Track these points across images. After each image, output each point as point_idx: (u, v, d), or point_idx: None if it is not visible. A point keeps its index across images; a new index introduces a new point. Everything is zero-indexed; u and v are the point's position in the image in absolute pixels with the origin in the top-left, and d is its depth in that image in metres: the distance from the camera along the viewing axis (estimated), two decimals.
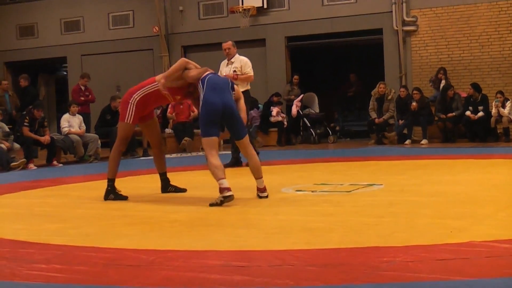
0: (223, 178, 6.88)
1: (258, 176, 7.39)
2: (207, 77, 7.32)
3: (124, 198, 7.76)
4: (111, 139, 14.93)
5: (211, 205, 6.79)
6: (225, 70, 11.18)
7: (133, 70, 20.08)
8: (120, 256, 4.66)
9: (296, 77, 18.16)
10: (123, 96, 8.09)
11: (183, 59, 7.88)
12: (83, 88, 16.95)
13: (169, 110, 17.10)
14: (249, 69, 11.04)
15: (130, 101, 7.78)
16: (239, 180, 9.26)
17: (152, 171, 11.37)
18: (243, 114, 7.53)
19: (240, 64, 11.01)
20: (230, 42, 11.39)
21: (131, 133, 8.09)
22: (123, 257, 4.63)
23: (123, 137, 7.94)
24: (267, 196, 7.33)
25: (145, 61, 20.23)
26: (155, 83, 7.72)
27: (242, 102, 7.61)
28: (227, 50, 11.29)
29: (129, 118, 7.78)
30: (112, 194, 7.79)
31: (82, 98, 16.63)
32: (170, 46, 19.91)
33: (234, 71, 10.98)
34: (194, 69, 7.55)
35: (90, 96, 16.96)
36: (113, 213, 6.83)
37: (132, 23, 20.48)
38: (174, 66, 7.66)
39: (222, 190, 6.84)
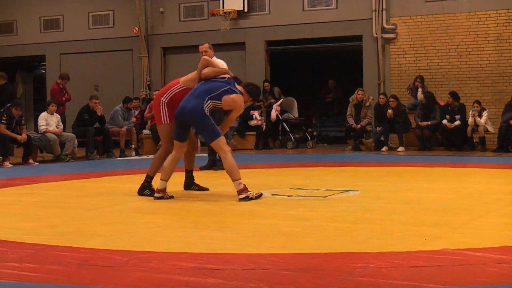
0: (163, 180, 7.57)
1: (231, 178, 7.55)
2: (201, 82, 7.83)
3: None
4: (87, 138, 14.88)
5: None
6: None
7: (112, 70, 20.04)
8: (94, 256, 4.64)
9: (267, 84, 18.07)
10: (153, 101, 8.42)
11: (206, 58, 8.32)
12: (61, 87, 16.83)
13: (146, 111, 17.04)
14: None
15: (160, 104, 8.08)
16: (215, 183, 9.27)
17: (128, 171, 11.38)
18: (225, 125, 8.03)
19: None
20: (206, 45, 11.27)
21: (172, 132, 8.06)
22: (97, 258, 4.61)
23: (167, 139, 8.09)
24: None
25: (124, 62, 20.17)
26: (180, 85, 8.11)
27: (232, 115, 7.91)
28: (204, 53, 11.18)
29: (165, 119, 8.05)
30: (148, 190, 8.03)
31: (64, 98, 16.55)
32: (150, 47, 19.87)
33: None
34: (210, 68, 8.04)
35: (67, 95, 16.85)
36: (89, 213, 6.80)
37: (112, 23, 20.40)
38: (200, 66, 8.08)
39: (158, 190, 7.55)
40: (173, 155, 7.66)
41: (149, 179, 8.11)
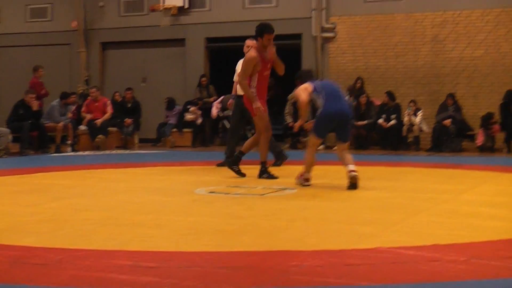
0: (308, 172, 8.42)
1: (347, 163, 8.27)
2: (329, 81, 9.07)
3: (276, 177, 9.19)
4: (22, 133, 14.65)
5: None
6: None
7: (50, 65, 19.73)
8: (27, 254, 4.58)
9: (204, 79, 18.03)
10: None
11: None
12: (41, 81, 16.63)
13: (83, 108, 16.87)
14: None
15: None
16: (156, 179, 9.22)
17: (64, 168, 11.24)
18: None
19: None
20: (255, 42, 10.87)
21: (267, 120, 9.37)
22: (30, 255, 4.55)
23: (262, 128, 9.32)
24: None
25: (62, 56, 19.95)
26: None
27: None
28: (249, 48, 10.80)
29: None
30: (265, 174, 9.26)
31: (43, 92, 16.33)
32: (89, 42, 19.67)
33: None
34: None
35: (44, 90, 16.66)
36: (23, 209, 6.70)
37: (50, 16, 20.14)
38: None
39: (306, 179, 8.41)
40: (311, 151, 8.47)
41: (265, 165, 9.33)
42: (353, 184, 7.99)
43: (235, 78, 10.80)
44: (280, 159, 11.30)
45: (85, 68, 19.62)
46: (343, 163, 8.27)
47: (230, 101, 10.65)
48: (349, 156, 8.30)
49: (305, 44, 17.74)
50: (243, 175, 9.47)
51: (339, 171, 10.65)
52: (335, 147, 15.54)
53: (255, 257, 4.51)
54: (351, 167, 8.10)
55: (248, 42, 10.94)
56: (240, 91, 10.47)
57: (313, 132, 8.44)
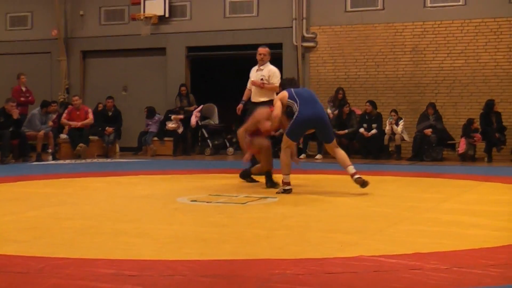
0: (288, 174, 8.63)
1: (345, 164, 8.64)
2: (303, 89, 9.77)
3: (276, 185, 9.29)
4: (3, 142, 14.56)
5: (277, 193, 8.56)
6: (254, 75, 10.82)
7: (30, 73, 19.56)
8: (8, 263, 4.55)
9: (183, 88, 18.00)
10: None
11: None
12: (23, 89, 16.54)
13: (64, 115, 16.78)
14: (276, 80, 10.56)
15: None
16: (137, 188, 9.20)
17: (45, 176, 11.18)
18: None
19: (268, 73, 10.57)
20: (267, 49, 10.96)
21: (266, 142, 9.71)
22: (11, 264, 4.52)
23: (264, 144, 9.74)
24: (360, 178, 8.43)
25: (42, 64, 19.83)
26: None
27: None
28: (261, 56, 10.85)
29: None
30: (268, 183, 9.53)
31: (23, 99, 16.22)
32: (69, 50, 19.59)
33: (261, 79, 10.61)
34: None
35: (30, 97, 16.61)
36: (3, 218, 6.66)
37: (30, 24, 20.04)
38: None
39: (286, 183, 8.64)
40: (287, 152, 8.76)
41: (268, 173, 9.63)
42: (362, 185, 8.44)
43: (249, 86, 10.83)
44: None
45: (66, 76, 19.53)
46: (341, 164, 8.69)
47: (240, 106, 10.68)
48: (342, 155, 8.66)
49: (286, 53, 17.76)
50: (275, 184, 9.44)
51: (320, 180, 10.70)
52: (316, 156, 15.74)
53: (237, 266, 4.50)
54: (351, 169, 8.50)
55: (261, 50, 10.91)
56: (254, 99, 10.60)
57: (288, 135, 8.70)
